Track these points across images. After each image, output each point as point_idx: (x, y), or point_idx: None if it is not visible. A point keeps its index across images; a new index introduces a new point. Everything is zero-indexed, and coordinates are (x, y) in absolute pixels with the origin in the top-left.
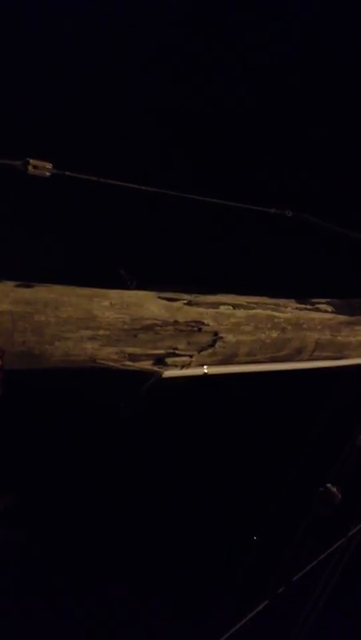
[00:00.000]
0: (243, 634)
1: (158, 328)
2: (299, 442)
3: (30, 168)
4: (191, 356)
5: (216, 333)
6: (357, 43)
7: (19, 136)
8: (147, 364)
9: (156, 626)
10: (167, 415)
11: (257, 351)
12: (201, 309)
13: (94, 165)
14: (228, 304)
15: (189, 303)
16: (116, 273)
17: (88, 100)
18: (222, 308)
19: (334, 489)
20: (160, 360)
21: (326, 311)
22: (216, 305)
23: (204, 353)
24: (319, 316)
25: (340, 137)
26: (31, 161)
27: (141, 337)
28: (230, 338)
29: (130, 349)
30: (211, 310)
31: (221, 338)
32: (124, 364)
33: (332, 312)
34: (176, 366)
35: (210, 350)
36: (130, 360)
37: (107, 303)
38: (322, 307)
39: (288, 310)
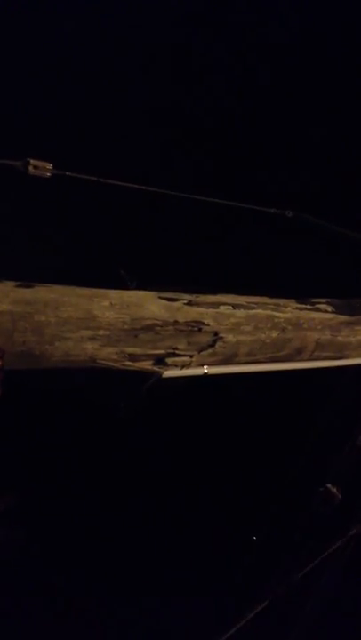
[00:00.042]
0: (243, 634)
1: (158, 328)
2: (299, 442)
3: (31, 168)
4: (191, 356)
5: (216, 333)
6: (357, 43)
7: (19, 136)
8: (147, 364)
9: (156, 626)
10: (167, 415)
11: (257, 351)
12: (201, 309)
13: (94, 165)
14: (229, 304)
15: (189, 303)
16: (116, 273)
17: (88, 100)
18: (222, 308)
19: (334, 489)
20: (160, 360)
21: (326, 311)
22: (216, 305)
23: (204, 353)
24: (319, 316)
25: (340, 137)
26: (31, 161)
27: (141, 337)
28: (230, 338)
29: (130, 349)
30: (211, 310)
31: (221, 338)
32: (124, 364)
33: (333, 312)
34: (176, 366)
35: (210, 350)
36: (130, 360)
37: (107, 303)
38: (322, 307)
39: (288, 310)
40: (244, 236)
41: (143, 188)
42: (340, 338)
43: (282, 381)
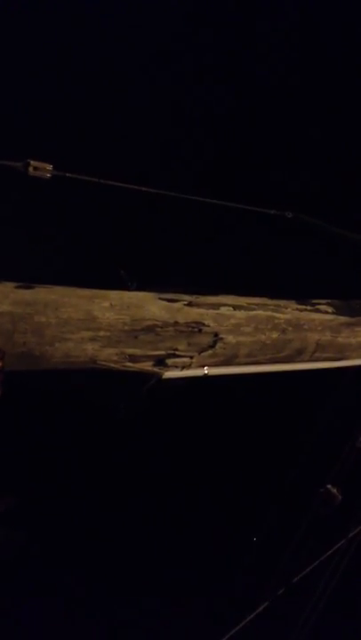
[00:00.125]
0: (243, 635)
1: (159, 329)
2: (299, 442)
3: (31, 169)
4: (191, 357)
5: (216, 334)
6: (357, 43)
7: (19, 137)
8: (147, 365)
9: (157, 626)
10: (167, 416)
11: (257, 352)
12: (201, 310)
13: (94, 166)
14: (229, 305)
15: (190, 304)
16: (116, 274)
17: (88, 100)
18: (223, 309)
19: (334, 490)
20: (160, 361)
21: (327, 312)
22: (216, 306)
23: (204, 354)
24: (320, 317)
25: (340, 137)
26: (32, 162)
27: (142, 338)
28: (231, 339)
29: (130, 350)
30: (211, 311)
31: (222, 339)
32: (124, 365)
33: (333, 313)
34: (176, 367)
35: (210, 351)
36: (130, 361)
37: (107, 304)
38: (322, 308)
39: (288, 311)
40: (244, 237)
41: (143, 188)
42: (340, 339)
43: (282, 382)
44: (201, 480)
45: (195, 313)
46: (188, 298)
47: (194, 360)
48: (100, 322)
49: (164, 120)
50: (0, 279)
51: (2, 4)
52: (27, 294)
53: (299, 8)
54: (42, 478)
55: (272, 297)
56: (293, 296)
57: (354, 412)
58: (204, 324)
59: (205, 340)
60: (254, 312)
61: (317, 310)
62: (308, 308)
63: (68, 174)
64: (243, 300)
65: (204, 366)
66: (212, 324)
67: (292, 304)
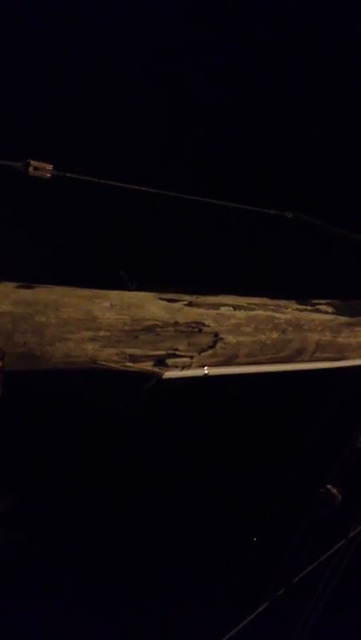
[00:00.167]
0: (243, 635)
1: (159, 329)
2: (299, 443)
3: (31, 169)
4: (192, 357)
5: (216, 334)
6: (357, 43)
7: (19, 137)
8: (147, 365)
9: (157, 626)
10: (167, 416)
11: (257, 352)
12: (201, 310)
13: (94, 166)
14: (229, 305)
15: (190, 304)
16: (116, 274)
17: (88, 100)
18: (223, 309)
19: (335, 490)
20: (160, 361)
21: (327, 312)
22: (216, 306)
23: (204, 354)
24: (320, 317)
25: (340, 137)
26: (32, 162)
27: (142, 338)
28: (231, 339)
29: (130, 350)
30: (211, 311)
31: (222, 339)
32: (124, 365)
33: (333, 313)
34: (176, 367)
35: (210, 351)
36: (130, 361)
37: (107, 304)
38: (322, 308)
39: (288, 311)
40: (244, 237)
41: (143, 189)
42: (340, 339)
43: (282, 382)
44: (201, 480)
45: (195, 313)
46: (188, 298)
47: (194, 360)
48: (100, 322)
49: (164, 120)
50: (0, 279)
51: (2, 4)
52: (27, 294)
53: (299, 8)
54: (42, 478)
55: (272, 297)
56: (293, 296)
57: (354, 412)
58: (204, 324)
59: (205, 340)
60: (254, 312)
61: (317, 310)
62: (309, 308)
63: (68, 174)
64: (243, 300)
65: (204, 366)
66: (212, 324)
67: (293, 304)
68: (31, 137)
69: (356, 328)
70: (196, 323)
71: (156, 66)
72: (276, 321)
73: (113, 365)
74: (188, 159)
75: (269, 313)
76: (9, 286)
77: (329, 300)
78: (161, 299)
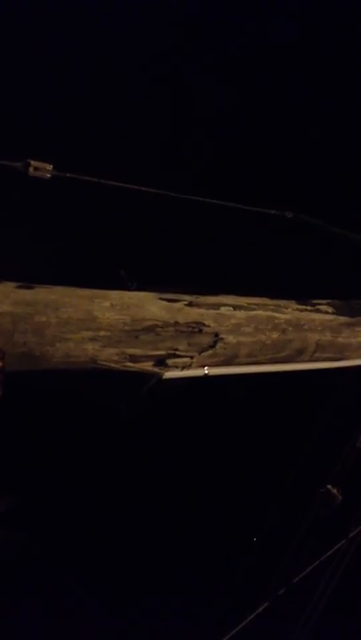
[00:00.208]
0: (243, 635)
1: (159, 329)
2: (299, 443)
3: (31, 169)
4: (192, 357)
5: (217, 334)
6: (357, 43)
7: (19, 137)
8: (147, 365)
9: (157, 626)
10: (168, 416)
11: (257, 352)
12: (202, 310)
13: (94, 166)
14: (229, 305)
15: (190, 304)
16: (116, 274)
17: (88, 100)
18: (223, 309)
19: (335, 490)
20: (161, 361)
21: (327, 312)
22: (217, 306)
23: (204, 354)
24: (320, 317)
25: (340, 137)
26: (32, 162)
27: (142, 338)
28: (231, 339)
29: (130, 350)
30: (211, 311)
31: (222, 339)
32: (124, 366)
33: (333, 313)
34: (177, 367)
35: (210, 351)
36: (130, 361)
37: (107, 304)
38: (322, 308)
39: (289, 311)
40: (244, 237)
41: (143, 188)
42: (340, 339)
43: (282, 382)
44: (201, 480)
45: (195, 313)
46: (188, 298)
47: (194, 360)
48: (100, 322)
49: (164, 120)
50: (0, 279)
51: (2, 4)
52: (27, 294)
53: (299, 8)
54: (42, 478)
55: (272, 297)
56: (294, 296)
57: (354, 412)
58: (204, 324)
59: (206, 340)
60: (254, 312)
61: (318, 310)
62: (309, 308)
63: (68, 174)
64: (243, 300)
65: (204, 366)
66: (212, 325)
67: (293, 304)
68: (31, 137)
69: (356, 328)
70: (197, 323)
71: (156, 66)
72: (277, 321)
73: (113, 365)
74: (188, 159)
75: (269, 313)
76: (9, 286)
77: (329, 300)
78: (161, 299)
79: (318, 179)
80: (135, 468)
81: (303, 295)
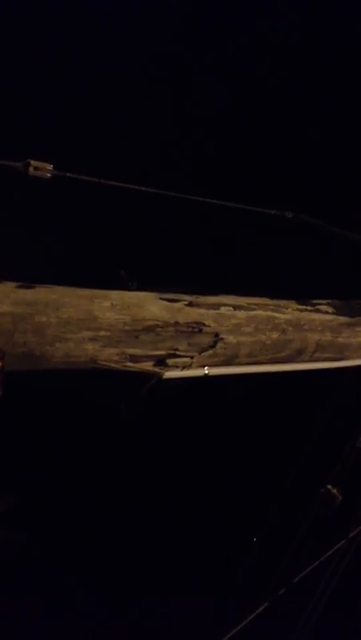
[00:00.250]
0: (243, 635)
1: (159, 329)
2: (299, 443)
3: (31, 169)
4: (192, 357)
5: (217, 334)
6: (357, 43)
7: (19, 137)
8: (147, 365)
9: (157, 626)
10: (168, 416)
11: (258, 352)
12: (202, 310)
13: (95, 166)
14: (229, 305)
15: (190, 304)
16: (116, 274)
17: (88, 100)
18: (223, 309)
19: (335, 490)
20: (161, 361)
21: (327, 312)
22: (217, 306)
23: (204, 354)
24: (320, 317)
25: (340, 137)
26: (32, 162)
27: (142, 338)
28: (231, 339)
29: (131, 350)
30: (211, 311)
31: (222, 339)
32: (124, 365)
33: (333, 313)
34: (177, 367)
35: (210, 351)
36: (131, 361)
37: (108, 304)
38: (322, 308)
39: (289, 311)
40: (244, 237)
41: (143, 188)
42: (340, 339)
43: (282, 382)
44: (201, 480)
45: (195, 313)
46: (188, 298)
47: (194, 360)
48: (100, 322)
49: (164, 120)
50: (0, 279)
51: (2, 4)
52: (27, 294)
53: (299, 7)
54: (42, 478)
55: (272, 297)
56: (294, 296)
57: (354, 412)
58: (204, 324)
59: (206, 340)
60: (255, 312)
61: (318, 310)
62: (309, 308)
63: (68, 174)
64: (243, 300)
65: (204, 366)
66: (212, 324)
67: (293, 304)
68: (31, 137)
69: (356, 328)
70: (197, 323)
71: (156, 66)
72: (277, 321)
73: (113, 365)
74: (188, 159)
75: (270, 313)
76: (9, 286)
77: (329, 300)
78: (161, 299)
79: (318, 179)
80: (135, 468)
81: (303, 295)
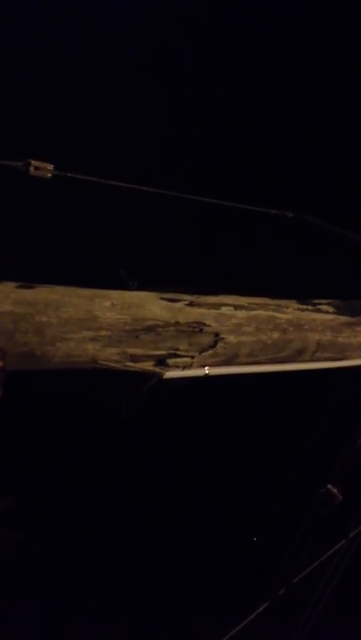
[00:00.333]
0: (243, 635)
1: (160, 329)
2: (299, 442)
3: (32, 169)
4: (192, 357)
5: (217, 334)
6: (357, 43)
7: (20, 137)
8: (148, 365)
9: (157, 627)
10: (168, 416)
11: (258, 352)
12: (202, 310)
13: (95, 166)
14: (230, 305)
15: (191, 304)
16: (117, 274)
17: (88, 99)
18: (224, 308)
19: (335, 490)
20: (161, 361)
21: (328, 312)
22: (217, 306)
23: (205, 354)
24: (320, 317)
25: (340, 137)
26: (32, 162)
27: (143, 338)
28: (232, 339)
29: (131, 350)
30: (212, 311)
31: (223, 339)
32: (125, 365)
33: (334, 313)
34: (177, 367)
35: (211, 351)
36: (131, 361)
37: (108, 304)
38: (323, 307)
39: (289, 311)
40: (244, 237)
41: (144, 188)
42: (341, 339)
43: (283, 382)
44: (201, 480)
45: (196, 313)
46: (189, 298)
47: (195, 360)
48: (101, 321)
49: (164, 120)
50: (1, 279)
51: (2, 4)
52: (28, 294)
53: (299, 7)
54: (42, 478)
55: (273, 297)
56: (294, 296)
57: (354, 412)
58: (205, 324)
59: (206, 339)
60: (255, 312)
61: (318, 310)
62: (309, 307)
63: (68, 174)
64: (244, 300)
65: (205, 366)
66: (213, 324)
67: (293, 304)
68: (32, 137)
69: (356, 328)
70: (197, 322)
71: (156, 66)
72: (277, 321)
73: (114, 365)
74: (188, 159)
75: (270, 313)
76: (9, 286)
77: (330, 300)
78: (162, 298)
79: (318, 179)
80: (136, 468)
81: (304, 295)
